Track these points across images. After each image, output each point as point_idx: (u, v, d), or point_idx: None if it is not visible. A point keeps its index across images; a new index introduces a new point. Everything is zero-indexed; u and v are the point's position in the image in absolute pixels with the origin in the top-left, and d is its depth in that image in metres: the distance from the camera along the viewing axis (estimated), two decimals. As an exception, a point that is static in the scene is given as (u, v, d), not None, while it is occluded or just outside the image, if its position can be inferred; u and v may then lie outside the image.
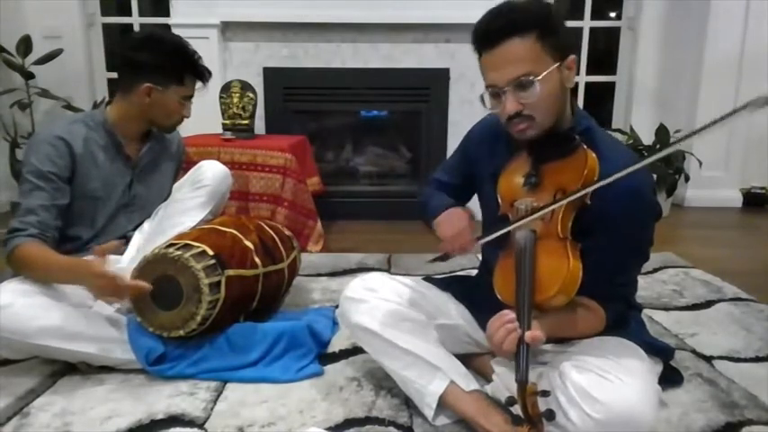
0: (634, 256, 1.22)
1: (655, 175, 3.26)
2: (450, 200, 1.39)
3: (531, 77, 1.10)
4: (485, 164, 1.38)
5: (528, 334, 1.02)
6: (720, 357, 1.62)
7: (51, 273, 1.46)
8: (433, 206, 1.37)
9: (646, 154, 3.34)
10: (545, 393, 1.02)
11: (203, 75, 1.69)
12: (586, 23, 3.73)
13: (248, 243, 1.65)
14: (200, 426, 1.29)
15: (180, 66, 1.63)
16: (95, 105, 3.50)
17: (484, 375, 1.43)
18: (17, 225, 1.48)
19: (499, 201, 1.29)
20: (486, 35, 1.13)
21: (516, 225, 1.17)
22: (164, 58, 1.62)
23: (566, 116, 1.20)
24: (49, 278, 1.47)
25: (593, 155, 1.13)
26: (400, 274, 1.84)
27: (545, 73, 1.10)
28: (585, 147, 1.15)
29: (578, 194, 1.08)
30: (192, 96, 1.71)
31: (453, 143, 3.37)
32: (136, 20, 3.64)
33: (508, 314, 1.07)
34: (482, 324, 1.38)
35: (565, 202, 1.10)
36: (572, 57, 1.15)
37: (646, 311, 1.78)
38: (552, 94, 1.13)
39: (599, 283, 1.13)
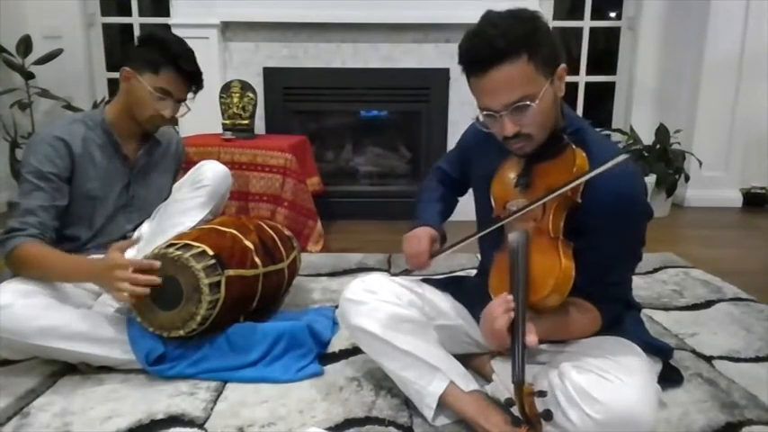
0: (626, 257, 1.22)
1: (654, 175, 3.27)
2: (435, 211, 1.48)
3: (527, 102, 1.09)
4: (478, 165, 1.40)
5: (528, 337, 1.02)
6: (720, 357, 1.62)
7: (56, 270, 1.46)
8: (418, 214, 1.49)
9: (646, 154, 3.38)
10: (542, 394, 1.02)
11: (181, 68, 1.62)
12: (586, 23, 3.73)
13: (248, 243, 1.65)
14: (200, 426, 1.29)
15: (157, 54, 1.60)
16: (95, 105, 3.51)
17: (483, 375, 1.43)
18: (16, 225, 1.48)
19: (493, 203, 1.30)
20: (474, 62, 1.10)
21: (485, 232, 1.22)
22: (146, 46, 1.62)
23: (557, 120, 1.20)
24: (51, 276, 1.47)
25: (583, 154, 1.13)
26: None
27: (540, 94, 1.09)
28: (574, 146, 1.15)
29: (553, 194, 1.10)
30: (172, 95, 1.63)
31: (453, 143, 3.34)
32: (136, 20, 3.64)
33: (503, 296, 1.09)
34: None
35: (540, 202, 1.12)
36: (562, 66, 1.13)
37: (646, 311, 1.78)
38: (547, 109, 1.13)
39: (592, 283, 1.13)
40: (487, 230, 1.23)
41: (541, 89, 1.09)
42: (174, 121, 1.77)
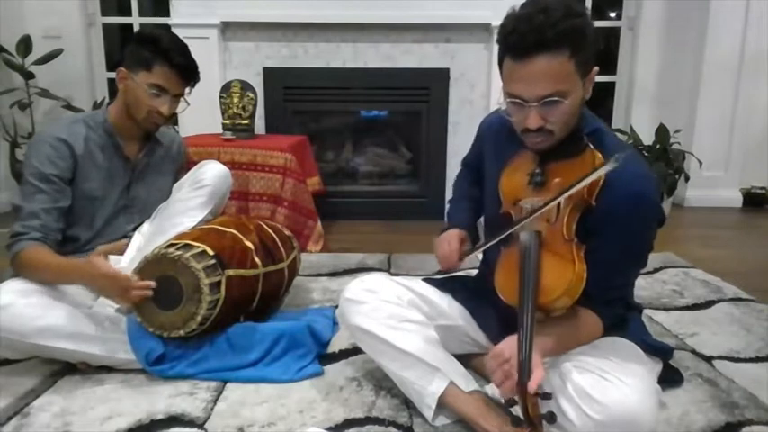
0: (634, 260, 1.21)
1: (654, 176, 3.26)
2: (463, 209, 1.49)
3: (559, 98, 1.06)
4: (489, 158, 1.39)
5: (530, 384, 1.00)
6: (720, 357, 1.62)
7: (55, 275, 1.46)
8: (449, 216, 1.51)
9: (646, 154, 3.37)
10: (546, 395, 1.01)
11: (173, 62, 1.60)
12: (586, 23, 3.72)
13: (248, 243, 1.65)
14: (200, 426, 1.29)
15: (148, 51, 1.59)
16: (95, 105, 3.51)
17: (483, 375, 1.42)
18: (20, 229, 1.48)
19: (501, 198, 1.28)
20: (518, 46, 1.05)
21: (509, 231, 1.17)
22: (139, 44, 1.61)
23: (578, 120, 1.18)
24: (53, 280, 1.47)
25: (600, 156, 1.12)
26: (400, 275, 1.84)
27: (573, 93, 1.07)
28: (593, 147, 1.14)
29: (574, 188, 1.06)
30: (167, 91, 1.62)
31: (453, 143, 3.41)
32: (136, 20, 3.64)
33: (502, 351, 1.06)
34: (482, 324, 1.39)
35: (562, 197, 1.08)
36: (595, 69, 1.12)
37: (646, 311, 1.78)
38: (574, 109, 1.11)
39: (597, 285, 1.12)
40: (509, 231, 1.18)
41: (575, 88, 1.08)
42: (173, 119, 1.76)
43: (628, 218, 1.10)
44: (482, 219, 1.48)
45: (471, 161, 1.55)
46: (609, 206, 1.10)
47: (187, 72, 1.64)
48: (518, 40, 1.04)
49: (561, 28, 1.02)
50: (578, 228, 1.13)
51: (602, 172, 1.04)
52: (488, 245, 1.28)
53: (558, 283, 1.08)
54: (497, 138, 1.34)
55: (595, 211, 1.12)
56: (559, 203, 1.12)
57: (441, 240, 1.41)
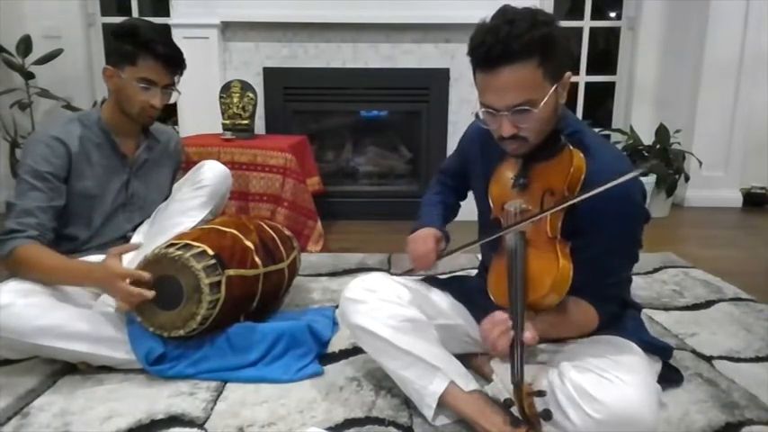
0: (622, 258, 1.22)
1: (655, 176, 3.27)
2: (436, 216, 1.48)
3: (529, 106, 1.08)
4: (476, 165, 1.41)
5: (526, 335, 1.02)
6: (720, 357, 1.62)
7: (58, 274, 1.46)
8: (421, 217, 1.49)
9: (646, 154, 3.38)
10: (541, 393, 1.02)
11: (157, 53, 1.57)
12: (586, 23, 3.73)
13: (248, 243, 1.65)
14: (200, 426, 1.29)
15: (130, 45, 1.57)
16: (95, 105, 3.50)
17: (483, 375, 1.43)
18: (15, 226, 1.47)
19: (491, 205, 1.31)
20: (485, 58, 1.08)
21: (492, 238, 1.21)
22: (120, 39, 1.59)
23: (555, 124, 1.19)
24: (53, 280, 1.46)
25: (580, 154, 1.13)
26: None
27: (544, 101, 1.09)
28: (571, 147, 1.15)
29: (564, 205, 1.09)
30: (156, 83, 1.60)
31: (453, 143, 3.36)
32: (136, 20, 3.64)
33: (500, 314, 1.09)
34: (480, 322, 1.39)
35: (548, 213, 1.11)
36: (567, 74, 1.13)
37: (646, 311, 1.78)
38: (548, 116, 1.13)
39: (589, 283, 1.13)
40: (494, 237, 1.22)
41: (545, 95, 1.09)
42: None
43: (611, 217, 1.11)
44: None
45: (451, 169, 1.56)
46: (593, 205, 1.10)
47: (172, 61, 1.62)
48: (485, 53, 1.07)
49: (527, 39, 1.05)
50: (564, 226, 1.14)
51: (604, 188, 1.02)
52: (470, 246, 1.31)
53: (544, 280, 1.09)
54: (483, 147, 1.37)
55: (580, 209, 1.12)
56: (542, 202, 1.14)
57: (415, 239, 1.41)
